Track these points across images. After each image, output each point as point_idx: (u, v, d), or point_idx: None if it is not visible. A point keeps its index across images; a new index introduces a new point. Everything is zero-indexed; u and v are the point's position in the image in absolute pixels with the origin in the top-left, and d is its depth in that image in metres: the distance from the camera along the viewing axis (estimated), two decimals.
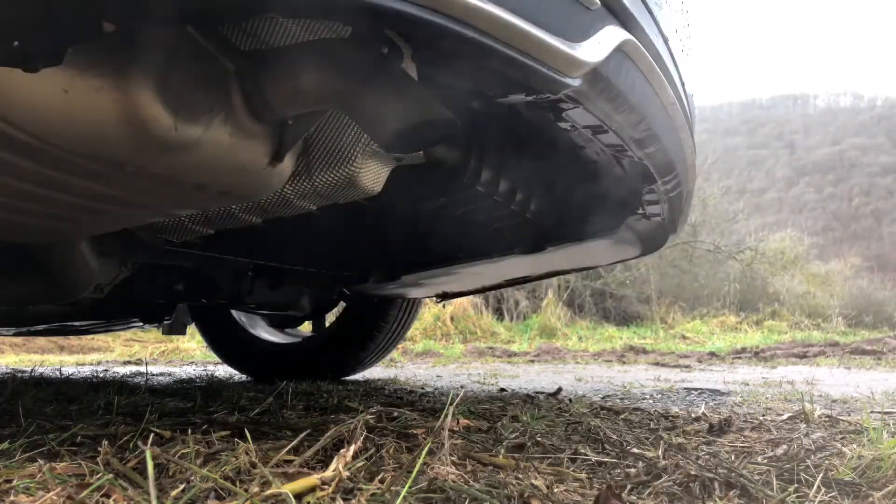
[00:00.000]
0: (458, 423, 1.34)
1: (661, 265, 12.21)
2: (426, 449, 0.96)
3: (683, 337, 9.31)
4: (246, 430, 1.10)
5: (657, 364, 4.99)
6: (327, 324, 3.13)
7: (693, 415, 1.72)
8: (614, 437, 1.33)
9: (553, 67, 0.85)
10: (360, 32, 0.91)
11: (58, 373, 3.45)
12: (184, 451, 1.01)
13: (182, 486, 0.82)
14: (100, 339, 8.29)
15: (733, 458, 1.17)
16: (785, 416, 1.72)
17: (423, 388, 2.68)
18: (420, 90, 0.88)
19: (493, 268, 2.13)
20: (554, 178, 1.73)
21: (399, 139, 0.88)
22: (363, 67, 0.87)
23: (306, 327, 3.22)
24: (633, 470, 1.05)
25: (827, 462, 1.10)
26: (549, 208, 1.78)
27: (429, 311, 9.13)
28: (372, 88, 0.87)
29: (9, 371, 3.60)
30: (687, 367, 4.63)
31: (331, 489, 0.82)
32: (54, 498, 0.75)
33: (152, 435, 1.02)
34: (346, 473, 0.86)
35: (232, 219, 1.41)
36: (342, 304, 2.99)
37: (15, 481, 0.83)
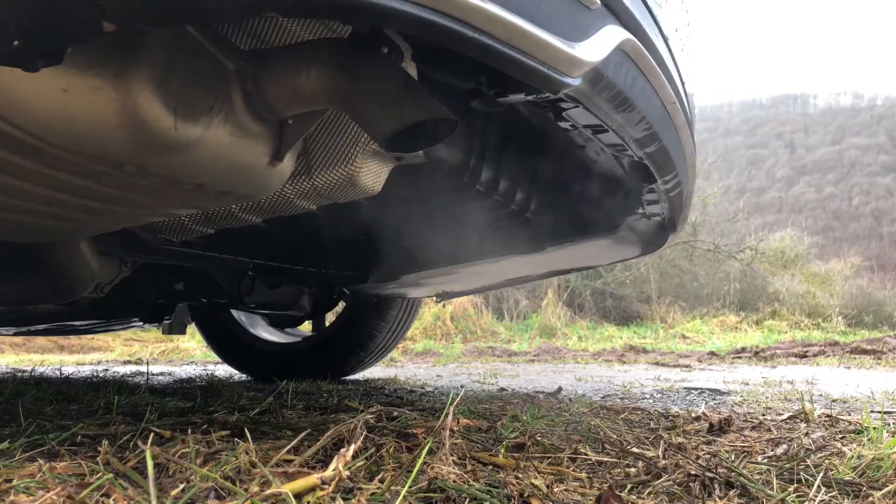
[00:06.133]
0: (458, 422, 1.34)
1: (661, 265, 12.21)
2: (426, 448, 0.96)
3: (683, 336, 9.31)
4: (246, 430, 1.10)
5: (657, 364, 4.99)
6: (327, 324, 3.13)
7: (693, 414, 1.72)
8: (614, 436, 1.33)
9: (553, 67, 0.85)
10: (360, 32, 0.91)
11: (58, 372, 3.46)
12: (184, 450, 1.01)
13: (182, 486, 0.82)
14: (100, 338, 8.29)
15: (733, 457, 1.17)
16: (785, 416, 1.72)
17: (423, 388, 2.68)
18: (420, 90, 0.88)
19: (493, 268, 2.13)
20: (554, 177, 1.74)
21: (399, 139, 0.88)
22: (363, 67, 0.87)
23: (306, 327, 3.22)
24: (633, 470, 1.05)
25: (827, 462, 1.10)
26: (549, 208, 1.78)
27: (429, 311, 9.13)
28: (372, 89, 0.87)
29: (9, 371, 3.60)
30: (687, 366, 4.63)
31: (331, 489, 0.82)
32: (54, 498, 0.75)
33: (152, 434, 1.02)
34: (346, 473, 0.86)
35: (232, 219, 1.41)
36: (342, 304, 2.99)
37: (15, 481, 0.83)
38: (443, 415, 1.11)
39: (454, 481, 0.87)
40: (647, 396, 2.43)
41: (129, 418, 1.49)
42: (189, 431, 1.14)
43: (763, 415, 1.76)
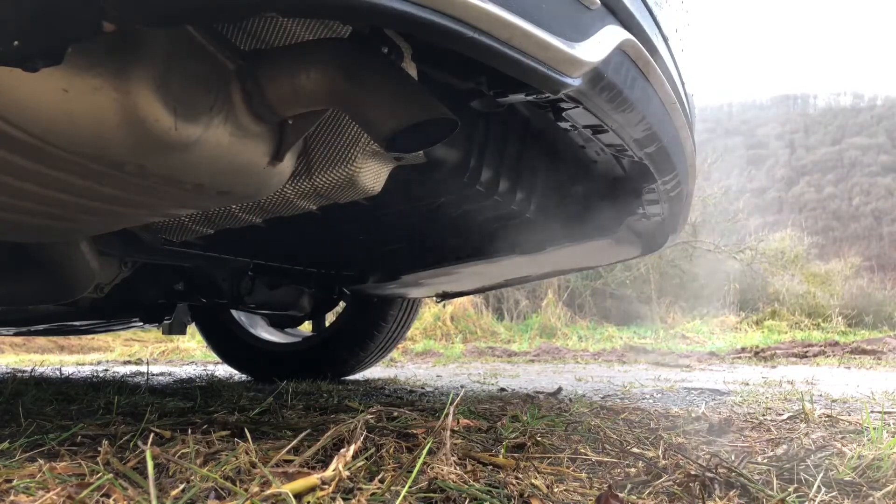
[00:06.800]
0: (458, 422, 1.34)
1: (661, 265, 12.21)
2: (426, 449, 0.96)
3: (683, 337, 9.31)
4: (246, 430, 1.10)
5: (657, 364, 4.99)
6: (327, 324, 3.13)
7: (693, 414, 1.72)
8: (614, 436, 1.33)
9: (553, 67, 0.85)
10: (360, 32, 0.91)
11: (58, 372, 3.45)
12: (184, 450, 1.01)
13: (182, 486, 0.82)
14: (100, 338, 8.29)
15: (733, 457, 1.17)
16: (785, 416, 1.72)
17: (423, 388, 2.68)
18: (420, 90, 0.88)
19: (493, 268, 2.13)
20: (554, 177, 1.74)
21: (399, 139, 0.88)
22: (363, 67, 0.87)
23: (306, 327, 3.23)
24: (633, 470, 1.05)
25: (827, 462, 1.10)
26: (549, 208, 1.78)
27: (429, 311, 9.13)
28: (372, 89, 0.87)
29: (9, 371, 3.60)
30: (687, 366, 4.63)
31: (331, 489, 0.82)
32: (54, 498, 0.75)
33: (152, 435, 1.02)
34: (346, 473, 0.86)
35: (232, 219, 1.41)
36: (342, 304, 2.99)
37: (15, 481, 0.83)
38: (443, 415, 1.11)
39: (454, 481, 0.88)
40: (647, 396, 2.43)
41: (129, 418, 1.49)
42: (189, 431, 1.14)
43: (763, 415, 1.76)
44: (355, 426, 1.13)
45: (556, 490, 0.93)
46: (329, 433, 1.09)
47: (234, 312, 3.10)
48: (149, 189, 0.97)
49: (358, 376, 3.26)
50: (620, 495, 0.87)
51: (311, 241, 1.98)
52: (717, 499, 0.89)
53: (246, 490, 0.80)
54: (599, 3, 0.93)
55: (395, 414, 1.42)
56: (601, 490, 0.92)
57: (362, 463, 0.96)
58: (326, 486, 0.82)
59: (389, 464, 0.99)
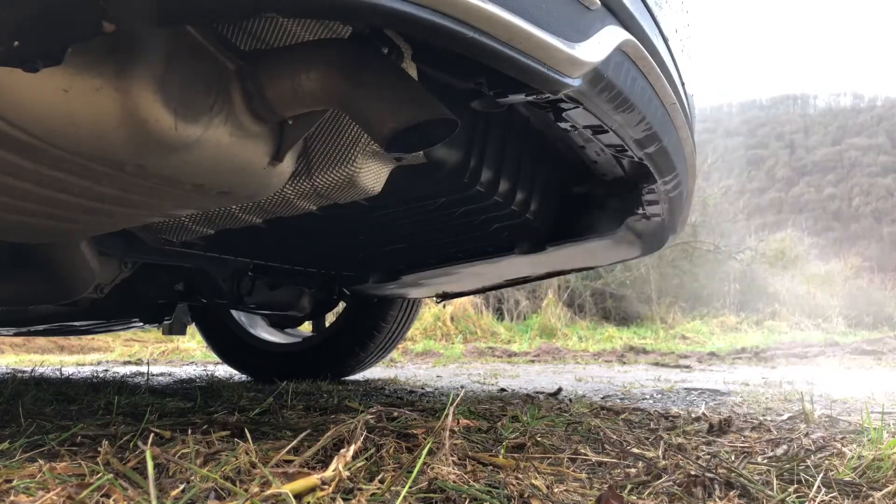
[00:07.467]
0: (458, 423, 1.34)
1: (661, 265, 12.21)
2: (426, 449, 0.96)
3: (683, 337, 9.32)
4: (246, 430, 1.10)
5: (657, 364, 4.99)
6: (327, 324, 3.13)
7: (693, 415, 1.72)
8: (614, 437, 1.33)
9: (553, 67, 0.85)
10: (360, 33, 0.91)
11: (58, 373, 3.45)
12: (184, 451, 1.01)
13: (182, 486, 0.82)
14: (100, 339, 8.29)
15: (733, 458, 1.17)
16: (785, 416, 1.72)
17: (423, 388, 2.68)
18: (420, 90, 0.88)
19: (493, 268, 2.13)
20: (554, 177, 1.74)
21: (399, 140, 0.88)
22: (363, 68, 0.87)
23: (306, 327, 3.22)
24: (633, 470, 1.05)
25: (827, 462, 1.10)
26: (549, 209, 1.78)
27: (429, 311, 9.13)
28: (372, 89, 0.87)
29: (9, 371, 3.60)
30: (687, 367, 4.63)
31: (331, 489, 0.82)
32: (54, 498, 0.75)
33: (152, 435, 1.02)
34: (346, 473, 0.86)
35: (232, 219, 1.41)
36: (342, 304, 2.99)
37: (15, 481, 0.83)
38: (443, 415, 1.11)
39: (454, 482, 0.88)
40: (648, 397, 2.43)
41: (129, 419, 1.49)
42: (189, 432, 1.14)
43: (763, 415, 1.76)
44: (355, 426, 1.13)
45: (556, 490, 0.93)
46: (329, 433, 1.09)
47: (234, 312, 3.09)
48: (149, 189, 0.97)
49: (358, 376, 3.25)
50: (621, 496, 0.87)
51: (311, 242, 1.98)
52: (717, 499, 0.89)
53: (246, 490, 0.80)
54: (599, 3, 0.93)
55: (395, 414, 1.42)
56: (601, 490, 0.92)
57: (362, 463, 0.96)
58: (326, 487, 0.82)
59: (389, 464, 0.99)
